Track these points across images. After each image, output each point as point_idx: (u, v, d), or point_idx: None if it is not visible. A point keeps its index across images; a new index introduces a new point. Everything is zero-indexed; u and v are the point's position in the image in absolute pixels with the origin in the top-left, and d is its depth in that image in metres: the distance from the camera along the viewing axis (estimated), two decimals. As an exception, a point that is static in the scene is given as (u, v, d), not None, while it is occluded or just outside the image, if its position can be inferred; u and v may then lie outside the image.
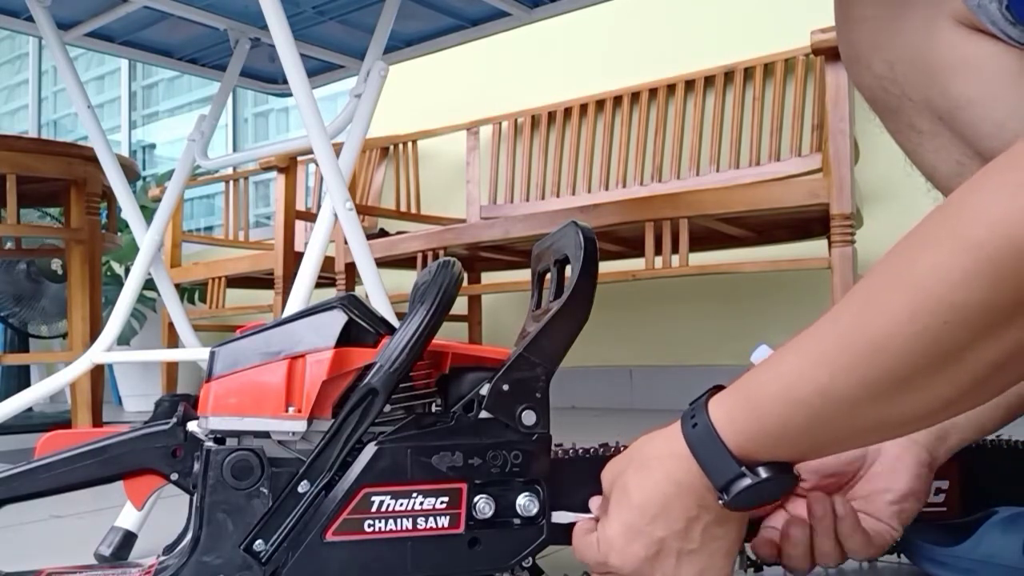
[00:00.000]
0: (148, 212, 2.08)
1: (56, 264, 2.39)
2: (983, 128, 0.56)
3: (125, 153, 4.35)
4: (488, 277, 2.68)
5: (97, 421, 1.78)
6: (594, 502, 0.61)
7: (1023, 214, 0.38)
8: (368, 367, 0.58)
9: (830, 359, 0.45)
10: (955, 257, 0.40)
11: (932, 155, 0.62)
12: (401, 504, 0.58)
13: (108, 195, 1.93)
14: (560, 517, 0.62)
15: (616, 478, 0.56)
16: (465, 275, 0.77)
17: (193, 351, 1.17)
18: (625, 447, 0.66)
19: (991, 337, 0.40)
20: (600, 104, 2.63)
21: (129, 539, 0.93)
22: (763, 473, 0.49)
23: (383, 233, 2.43)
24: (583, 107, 2.66)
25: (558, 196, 2.63)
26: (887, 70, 0.61)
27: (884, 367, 0.43)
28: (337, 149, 0.99)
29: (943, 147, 0.60)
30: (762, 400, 0.49)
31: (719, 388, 0.53)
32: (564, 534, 0.62)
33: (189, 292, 3.26)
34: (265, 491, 0.57)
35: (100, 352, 1.12)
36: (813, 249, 2.00)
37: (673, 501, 0.52)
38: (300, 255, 1.33)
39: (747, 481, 0.49)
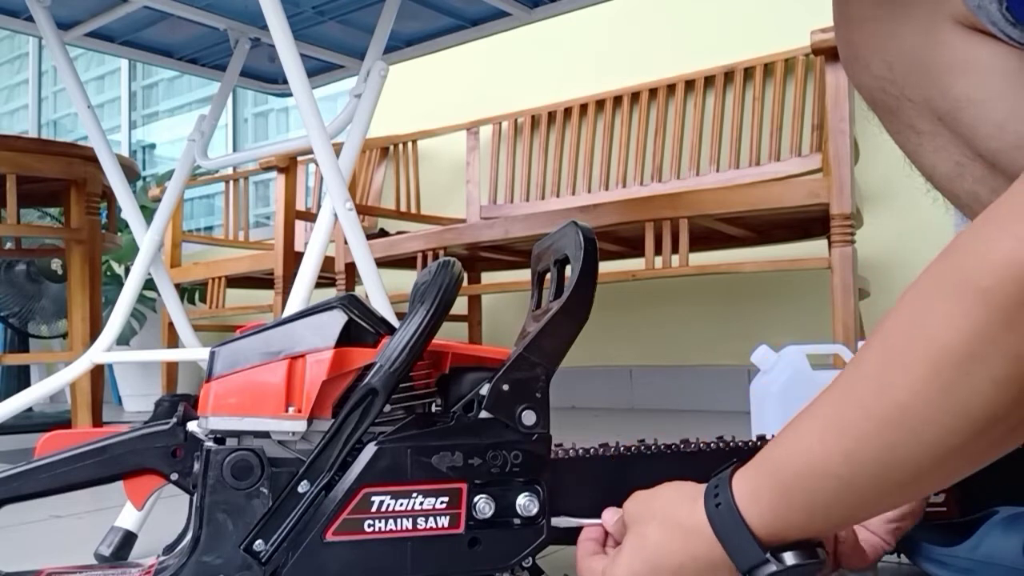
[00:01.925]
0: (148, 212, 2.08)
1: (56, 264, 2.39)
2: (983, 129, 0.56)
3: (125, 153, 4.35)
4: (488, 277, 2.68)
5: (97, 421, 1.78)
6: (608, 513, 0.61)
7: None
8: (368, 367, 0.58)
9: (853, 424, 0.44)
10: (966, 307, 0.39)
11: (932, 155, 0.61)
12: (401, 504, 0.58)
13: (108, 195, 1.93)
14: (561, 522, 0.62)
15: (640, 520, 0.55)
16: (465, 275, 0.77)
17: (193, 351, 1.17)
18: (625, 446, 0.66)
19: (1018, 383, 0.39)
20: (600, 104, 2.63)
21: (129, 539, 0.93)
22: (789, 560, 0.47)
23: (383, 233, 2.43)
24: (583, 107, 2.66)
25: (558, 196, 2.63)
26: (886, 70, 0.61)
27: (911, 427, 0.42)
28: (337, 149, 0.99)
29: (943, 147, 0.60)
30: (787, 474, 0.47)
31: (743, 462, 0.51)
32: (564, 534, 0.62)
33: (189, 292, 3.26)
34: (265, 491, 0.57)
35: (100, 352, 1.12)
36: (813, 249, 2.00)
37: (688, 572, 0.51)
38: (300, 255, 1.33)
39: (772, 568, 0.47)
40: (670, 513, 0.53)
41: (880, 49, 0.61)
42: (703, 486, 0.52)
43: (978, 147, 0.57)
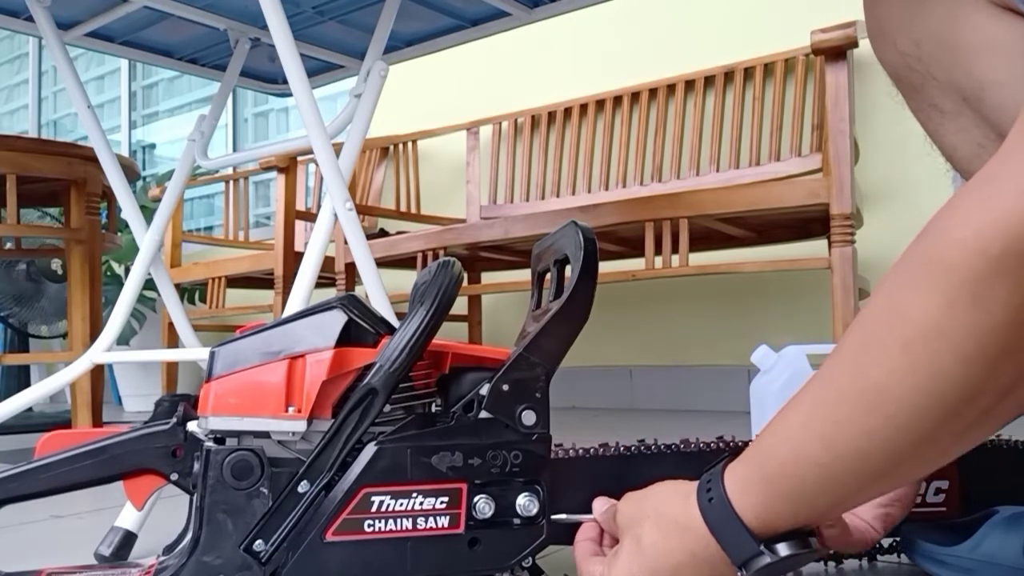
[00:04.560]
0: (148, 212, 2.09)
1: (56, 264, 2.39)
2: (1006, 111, 0.55)
3: (125, 153, 4.35)
4: (488, 277, 2.68)
5: (97, 421, 1.78)
6: (599, 503, 0.61)
7: (992, 227, 0.38)
8: (368, 367, 0.58)
9: (832, 410, 0.44)
10: (935, 283, 0.40)
11: (953, 136, 0.60)
12: (401, 504, 0.58)
13: (108, 195, 1.93)
14: (559, 518, 0.62)
15: (633, 522, 0.55)
16: (465, 275, 0.77)
17: (193, 351, 1.17)
18: (625, 446, 0.66)
19: (986, 361, 0.39)
20: (600, 104, 2.63)
21: (129, 539, 0.93)
22: (782, 551, 0.48)
23: (383, 233, 2.43)
24: (583, 107, 2.66)
25: (558, 196, 2.63)
26: (913, 48, 0.60)
27: (884, 410, 0.42)
28: (337, 149, 0.99)
29: (964, 128, 0.59)
30: (772, 465, 0.48)
31: (734, 455, 0.51)
32: (564, 534, 0.62)
33: (189, 292, 3.26)
34: (265, 491, 0.57)
35: (100, 352, 1.12)
36: (813, 249, 2.00)
37: (685, 570, 0.51)
38: (300, 255, 1.33)
39: (766, 559, 0.48)
40: (664, 511, 0.53)
41: (907, 26, 0.60)
42: (696, 483, 0.52)
43: (1001, 129, 0.55)
